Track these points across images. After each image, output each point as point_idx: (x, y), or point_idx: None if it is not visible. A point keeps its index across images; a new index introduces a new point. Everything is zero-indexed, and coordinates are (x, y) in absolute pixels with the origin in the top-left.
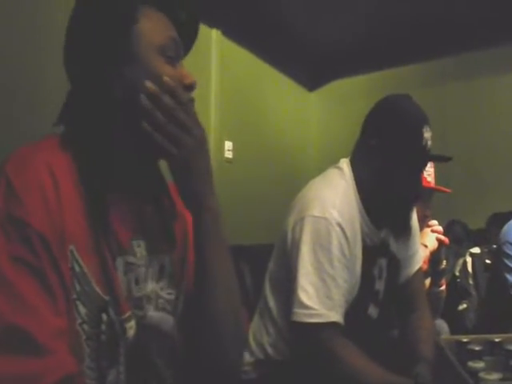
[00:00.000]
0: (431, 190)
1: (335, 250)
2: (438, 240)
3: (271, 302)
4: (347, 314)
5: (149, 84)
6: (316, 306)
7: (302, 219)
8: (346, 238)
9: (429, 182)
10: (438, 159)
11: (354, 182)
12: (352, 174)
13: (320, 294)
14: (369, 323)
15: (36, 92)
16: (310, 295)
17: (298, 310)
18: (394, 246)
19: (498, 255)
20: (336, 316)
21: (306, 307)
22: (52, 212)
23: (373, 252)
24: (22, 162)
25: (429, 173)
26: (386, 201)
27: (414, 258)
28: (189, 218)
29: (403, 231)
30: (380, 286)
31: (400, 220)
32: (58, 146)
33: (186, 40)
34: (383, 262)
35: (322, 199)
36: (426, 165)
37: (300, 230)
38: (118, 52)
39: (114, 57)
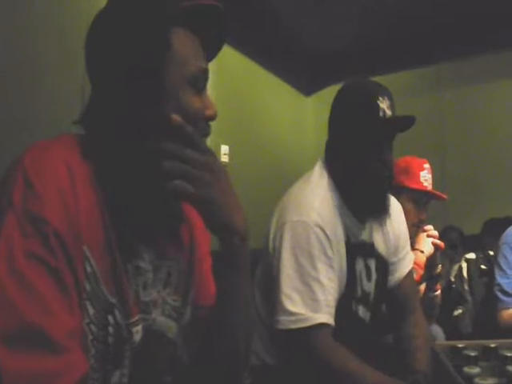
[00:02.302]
0: (428, 195)
1: (316, 252)
2: (434, 244)
3: (261, 308)
4: (337, 315)
5: (175, 117)
6: (301, 311)
7: (281, 226)
8: (327, 237)
9: (425, 187)
10: (400, 127)
11: (328, 178)
12: (326, 170)
13: (305, 298)
14: (361, 327)
15: (35, 92)
16: (294, 301)
17: (283, 318)
18: (381, 246)
19: (496, 256)
20: (323, 317)
21: (291, 314)
22: (69, 211)
23: (357, 249)
24: (40, 158)
25: (425, 178)
26: (361, 185)
27: (404, 260)
28: (198, 223)
29: (383, 211)
30: (370, 288)
31: (378, 201)
32: (76, 146)
33: (208, 56)
34: (372, 263)
35: (299, 203)
36: (389, 135)
37: (280, 236)
38: (147, 80)
39: (142, 83)
